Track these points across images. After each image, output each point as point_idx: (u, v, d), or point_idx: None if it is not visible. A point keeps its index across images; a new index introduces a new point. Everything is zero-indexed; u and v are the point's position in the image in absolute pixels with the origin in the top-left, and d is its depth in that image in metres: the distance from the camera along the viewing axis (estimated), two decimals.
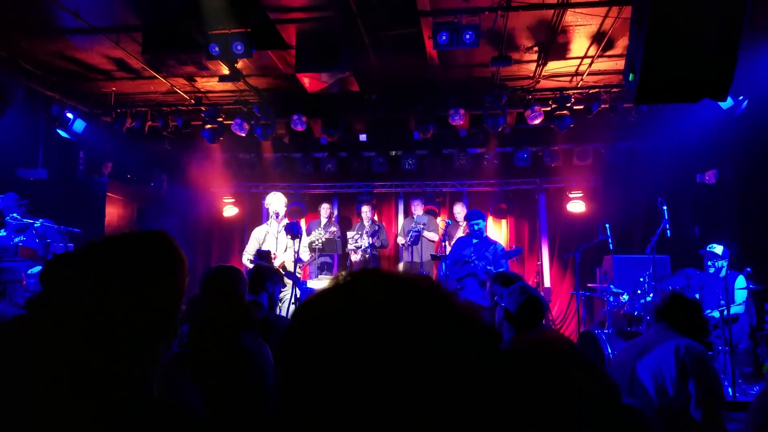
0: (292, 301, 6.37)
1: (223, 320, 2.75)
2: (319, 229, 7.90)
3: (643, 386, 3.14)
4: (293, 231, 6.67)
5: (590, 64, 7.98)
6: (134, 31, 7.05)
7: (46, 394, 1.10)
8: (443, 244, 8.15)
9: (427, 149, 10.39)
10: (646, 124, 9.14)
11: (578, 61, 8.02)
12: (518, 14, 6.53)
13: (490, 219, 10.71)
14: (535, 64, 8.15)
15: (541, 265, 10.39)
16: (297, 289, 6.83)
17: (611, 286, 7.08)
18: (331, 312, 0.74)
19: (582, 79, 8.52)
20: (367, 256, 8.74)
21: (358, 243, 8.86)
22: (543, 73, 8.39)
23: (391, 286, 0.76)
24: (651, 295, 6.38)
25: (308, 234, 7.57)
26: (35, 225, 6.58)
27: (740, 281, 6.66)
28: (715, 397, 3.03)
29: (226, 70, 7.87)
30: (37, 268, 6.02)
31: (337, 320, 0.72)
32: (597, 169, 10.06)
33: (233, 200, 11.09)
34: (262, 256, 6.76)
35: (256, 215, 11.19)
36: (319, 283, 7.93)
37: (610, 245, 7.28)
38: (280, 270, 7.02)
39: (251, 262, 7.03)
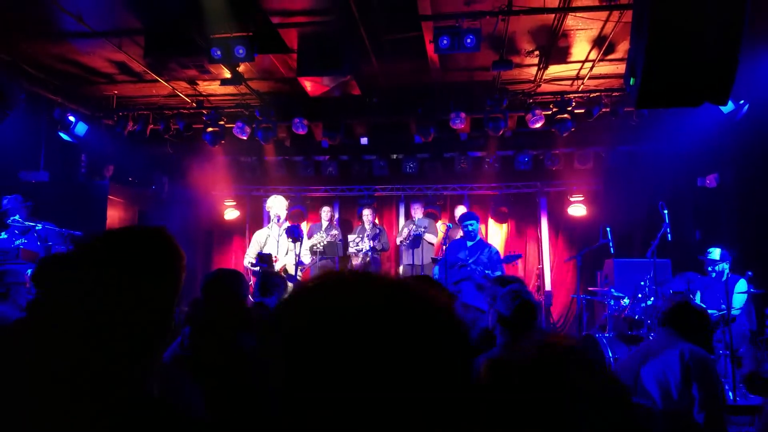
0: None
1: (223, 322, 2.76)
2: (321, 232, 7.92)
3: (646, 390, 3.17)
4: (294, 234, 6.68)
5: (591, 68, 7.99)
6: (136, 35, 7.07)
7: (47, 395, 1.11)
8: (444, 247, 8.15)
9: (428, 153, 10.39)
10: (647, 127, 9.14)
11: (579, 65, 8.03)
12: (519, 18, 6.55)
13: (491, 222, 10.72)
14: (536, 68, 8.16)
15: (542, 268, 10.38)
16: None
17: (612, 290, 7.08)
18: (326, 313, 0.74)
19: (583, 83, 8.53)
20: (368, 259, 8.74)
21: (359, 246, 8.86)
22: (544, 77, 8.41)
23: (384, 289, 0.77)
24: (652, 298, 6.37)
25: (309, 237, 7.58)
26: (37, 228, 6.59)
27: (741, 285, 6.65)
28: (718, 400, 3.08)
29: (227, 74, 7.89)
30: None
31: (330, 321, 0.73)
32: (598, 172, 10.06)
33: (234, 203, 11.09)
34: (263, 259, 6.76)
35: (257, 218, 11.20)
36: None
37: (611, 249, 7.27)
38: (282, 274, 7.03)
39: (252, 265, 7.04)
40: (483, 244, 7.53)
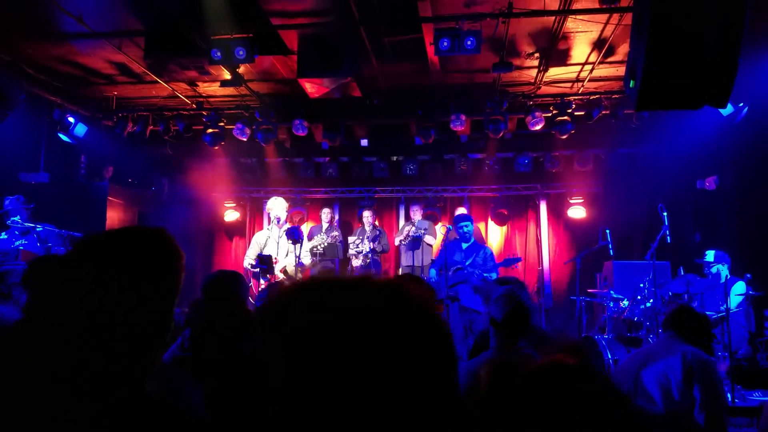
0: None
1: (223, 323, 2.76)
2: (321, 234, 7.91)
3: (647, 392, 3.20)
4: (294, 236, 6.68)
5: (591, 71, 8.00)
6: (136, 36, 7.08)
7: (47, 395, 1.11)
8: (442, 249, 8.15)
9: (429, 154, 10.40)
10: (647, 130, 9.15)
11: (579, 67, 8.05)
12: (519, 21, 6.56)
13: (491, 224, 10.72)
14: (536, 70, 8.17)
15: (542, 270, 10.38)
16: None
17: (611, 292, 7.08)
18: (323, 313, 0.75)
19: (583, 86, 8.54)
20: (368, 260, 8.74)
21: (360, 248, 8.87)
22: (544, 79, 8.42)
23: (379, 294, 0.77)
24: (651, 300, 6.38)
25: (310, 239, 7.58)
26: (37, 229, 6.59)
27: (738, 287, 6.66)
28: (719, 401, 3.11)
29: (227, 75, 7.89)
30: None
31: (326, 322, 0.73)
32: (598, 174, 10.07)
33: (234, 205, 11.09)
34: (263, 260, 6.76)
35: (257, 220, 11.20)
36: None
37: (611, 251, 7.27)
38: (283, 276, 7.03)
39: (252, 266, 7.04)
40: (478, 246, 7.53)
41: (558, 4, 6.20)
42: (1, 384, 1.15)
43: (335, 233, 9.20)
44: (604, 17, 6.45)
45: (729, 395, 5.55)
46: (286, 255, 7.09)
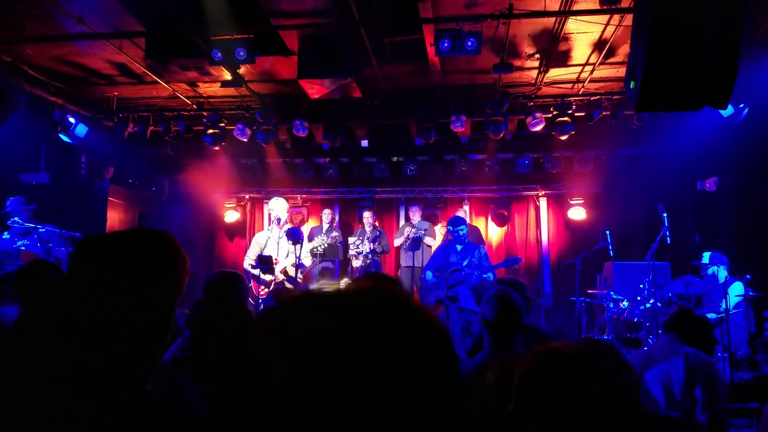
0: None
1: (224, 323, 2.76)
2: (322, 234, 7.91)
3: (650, 393, 3.22)
4: (294, 236, 6.69)
5: (591, 72, 8.01)
6: (137, 37, 7.08)
7: (47, 395, 1.11)
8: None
9: (429, 155, 10.40)
10: (647, 131, 9.16)
11: (579, 68, 8.05)
12: (520, 22, 6.57)
13: (491, 225, 10.73)
14: (536, 71, 8.18)
15: (542, 271, 10.39)
16: None
17: (611, 293, 7.08)
18: (326, 318, 0.75)
19: (583, 86, 8.55)
20: (368, 261, 8.74)
21: (360, 248, 8.87)
22: (544, 80, 8.42)
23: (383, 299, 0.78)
24: (651, 301, 6.38)
25: (310, 240, 7.58)
26: (40, 230, 6.61)
27: (736, 288, 6.65)
28: (721, 402, 3.13)
29: (228, 76, 7.90)
30: None
31: (329, 326, 0.74)
32: (598, 175, 10.07)
33: (234, 205, 11.09)
34: (264, 261, 6.77)
35: (258, 220, 11.21)
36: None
37: (611, 252, 7.28)
38: (282, 276, 7.03)
39: (252, 267, 7.04)
40: (472, 247, 7.53)
41: (558, 5, 6.21)
42: (2, 384, 1.15)
43: (335, 234, 9.21)
44: (604, 18, 6.45)
45: None
46: (287, 256, 7.09)
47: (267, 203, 9.65)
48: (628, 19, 5.94)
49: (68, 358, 1.15)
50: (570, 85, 8.68)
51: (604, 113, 8.70)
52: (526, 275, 10.39)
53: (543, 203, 10.65)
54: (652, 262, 6.48)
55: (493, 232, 10.77)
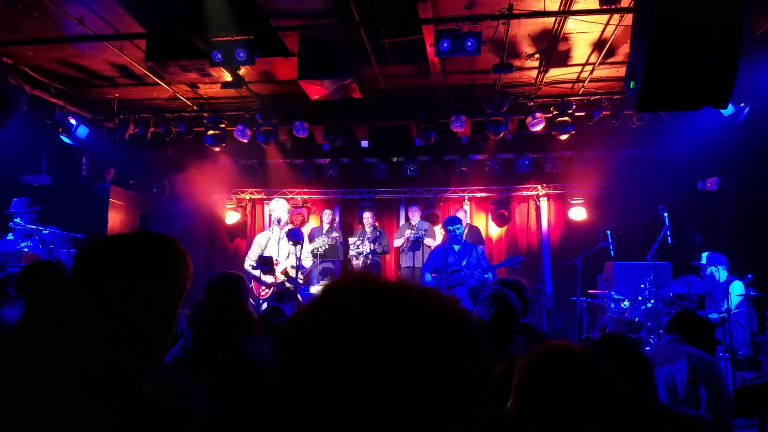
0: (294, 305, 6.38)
1: (224, 325, 2.77)
2: (322, 235, 7.92)
3: None
4: (295, 237, 6.69)
5: (591, 71, 8.01)
6: (138, 38, 7.09)
7: (47, 395, 1.12)
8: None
9: (429, 156, 10.41)
10: (648, 131, 9.15)
11: (579, 68, 8.05)
12: (519, 22, 6.57)
13: (491, 225, 10.72)
14: (536, 71, 8.18)
15: (543, 271, 10.38)
16: (299, 294, 6.84)
17: (612, 293, 7.08)
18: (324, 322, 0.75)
19: (583, 86, 8.55)
20: (368, 262, 8.74)
21: (360, 249, 8.87)
22: (544, 80, 8.42)
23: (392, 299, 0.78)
24: (652, 301, 6.38)
25: (311, 240, 7.58)
26: (43, 232, 6.63)
27: (736, 287, 6.65)
28: (724, 402, 3.14)
29: (228, 77, 7.91)
30: None
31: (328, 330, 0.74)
32: (598, 175, 10.06)
33: (235, 206, 11.10)
34: (264, 262, 6.77)
35: (258, 221, 11.21)
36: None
37: (611, 252, 7.28)
38: (283, 277, 7.03)
39: (253, 268, 7.05)
40: (470, 247, 7.54)
41: (558, 5, 6.21)
42: (2, 384, 1.16)
43: (336, 234, 9.21)
44: (604, 18, 6.46)
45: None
46: (287, 256, 7.10)
47: (267, 204, 9.65)
48: (628, 19, 5.94)
49: (69, 358, 1.16)
50: (570, 85, 8.68)
51: (604, 113, 8.70)
52: (526, 275, 10.39)
53: (543, 203, 10.64)
54: (653, 262, 6.48)
55: (493, 233, 10.77)
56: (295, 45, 7.03)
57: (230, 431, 2.24)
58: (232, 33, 6.50)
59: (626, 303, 6.81)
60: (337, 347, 0.72)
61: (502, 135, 8.90)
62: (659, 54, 4.07)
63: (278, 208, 7.30)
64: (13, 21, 6.66)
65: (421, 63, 7.66)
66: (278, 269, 6.99)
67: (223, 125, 9.47)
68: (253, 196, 11.23)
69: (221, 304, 2.91)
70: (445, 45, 6.38)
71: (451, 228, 7.45)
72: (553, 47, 7.28)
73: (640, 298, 6.56)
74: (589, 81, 8.36)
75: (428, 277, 7.49)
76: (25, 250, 6.34)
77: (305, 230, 9.54)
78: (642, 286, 6.59)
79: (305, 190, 10.98)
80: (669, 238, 6.46)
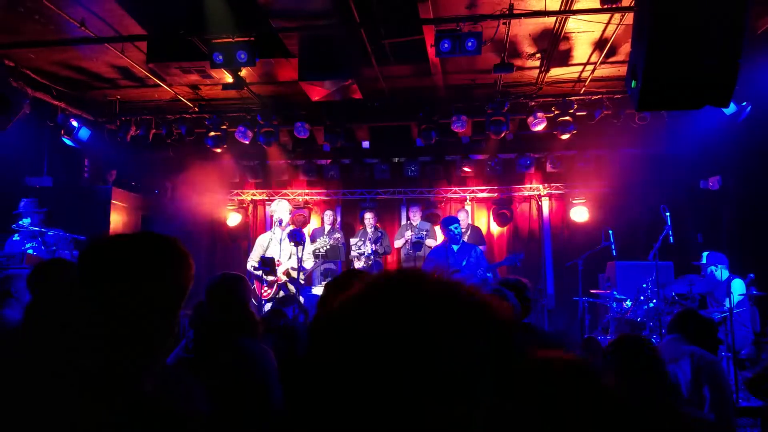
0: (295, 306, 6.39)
1: (226, 326, 2.77)
2: (324, 236, 7.92)
3: None
4: (296, 238, 6.69)
5: (593, 71, 8.00)
6: (139, 40, 7.10)
7: (48, 395, 1.12)
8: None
9: (430, 156, 10.40)
10: (649, 130, 9.14)
11: (581, 67, 8.04)
12: (520, 21, 6.57)
13: (493, 225, 10.72)
14: (537, 71, 8.17)
15: (544, 271, 10.38)
16: (300, 295, 6.85)
17: (614, 293, 7.08)
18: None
19: (585, 86, 8.54)
20: (370, 262, 8.75)
21: (362, 249, 8.87)
22: (546, 80, 8.42)
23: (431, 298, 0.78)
24: (654, 301, 6.37)
25: (312, 241, 7.59)
26: (48, 233, 6.66)
27: (737, 285, 6.64)
28: (728, 402, 3.15)
29: (229, 78, 7.91)
30: None
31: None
32: (600, 175, 10.05)
33: (236, 207, 11.12)
34: (266, 262, 6.78)
35: (260, 222, 11.22)
36: (323, 289, 7.92)
37: (613, 251, 7.27)
38: (285, 278, 7.04)
39: (255, 269, 7.06)
40: (469, 247, 7.54)
41: (559, 4, 6.21)
42: (4, 384, 1.16)
43: (337, 235, 9.21)
44: (605, 17, 6.45)
45: (733, 395, 5.56)
46: (289, 257, 7.10)
47: (269, 205, 9.65)
48: (629, 18, 5.94)
49: (71, 359, 1.16)
50: (571, 85, 8.67)
51: (605, 112, 8.70)
52: (528, 275, 10.37)
53: (545, 203, 10.63)
54: (655, 261, 6.47)
55: (495, 233, 10.76)
56: (296, 46, 7.04)
57: (231, 431, 2.25)
58: (232, 34, 6.51)
59: (628, 303, 6.81)
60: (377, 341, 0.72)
61: (503, 135, 8.90)
62: (660, 54, 4.07)
63: (280, 209, 7.30)
64: (14, 23, 6.68)
65: (421, 63, 7.65)
66: (280, 270, 6.99)
67: (224, 126, 9.48)
68: (254, 197, 11.23)
69: (223, 305, 2.91)
70: (446, 45, 6.38)
71: (448, 228, 7.45)
72: (554, 47, 7.27)
73: (642, 297, 6.55)
74: (591, 80, 8.35)
75: None
76: (30, 251, 6.37)
77: (307, 231, 9.55)
78: (644, 285, 6.58)
79: (306, 190, 10.99)
80: (671, 237, 6.46)
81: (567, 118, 8.66)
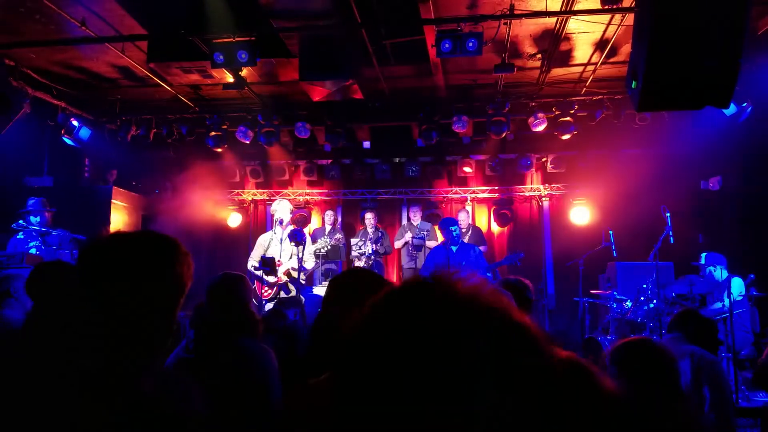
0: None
1: (226, 326, 2.77)
2: (325, 236, 7.92)
3: None
4: (297, 238, 6.69)
5: (594, 71, 8.00)
6: (139, 40, 7.10)
7: (49, 395, 1.12)
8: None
9: (431, 156, 10.40)
10: (650, 131, 9.14)
11: (582, 68, 8.04)
12: (521, 22, 6.57)
13: (493, 225, 10.72)
14: (538, 71, 8.17)
15: (545, 271, 10.37)
16: (301, 295, 6.84)
17: (615, 293, 7.07)
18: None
19: (585, 86, 8.54)
20: (370, 262, 8.74)
21: (362, 249, 8.87)
22: (546, 80, 8.42)
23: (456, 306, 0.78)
24: (654, 301, 6.37)
25: (313, 241, 7.59)
26: (52, 233, 6.67)
27: (736, 285, 6.63)
28: (728, 402, 3.15)
29: (230, 78, 7.92)
30: None
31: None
32: (600, 176, 10.04)
33: (237, 207, 11.12)
34: (267, 263, 6.78)
35: (261, 222, 11.21)
36: (324, 289, 7.92)
37: (614, 252, 7.27)
38: (286, 278, 7.04)
39: (255, 269, 7.05)
40: (468, 247, 7.54)
41: (560, 5, 6.21)
42: (5, 384, 1.16)
43: (338, 236, 9.21)
44: (606, 18, 6.45)
45: (733, 396, 5.56)
46: (290, 257, 7.10)
47: (270, 205, 9.65)
48: (630, 19, 5.93)
49: (71, 359, 1.16)
50: (572, 85, 8.67)
51: (606, 113, 8.70)
52: (528, 275, 10.35)
53: (546, 203, 10.63)
54: (655, 262, 6.47)
55: (495, 233, 10.76)
56: (297, 46, 7.04)
57: (231, 431, 2.25)
58: (233, 34, 6.51)
59: (629, 303, 6.80)
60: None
61: (504, 135, 8.90)
62: (660, 54, 4.07)
63: (281, 209, 7.30)
64: (15, 23, 6.68)
65: (422, 63, 7.66)
66: (281, 270, 6.99)
67: (225, 126, 9.49)
68: (255, 197, 11.23)
69: (223, 305, 2.91)
70: (447, 45, 6.38)
71: (447, 229, 7.45)
72: (554, 47, 7.27)
73: (642, 298, 6.55)
74: (591, 81, 8.35)
75: None
76: (33, 251, 6.38)
77: (307, 231, 9.55)
78: (644, 286, 6.58)
79: (307, 190, 10.99)
80: (671, 238, 6.45)
81: (568, 118, 8.66)
